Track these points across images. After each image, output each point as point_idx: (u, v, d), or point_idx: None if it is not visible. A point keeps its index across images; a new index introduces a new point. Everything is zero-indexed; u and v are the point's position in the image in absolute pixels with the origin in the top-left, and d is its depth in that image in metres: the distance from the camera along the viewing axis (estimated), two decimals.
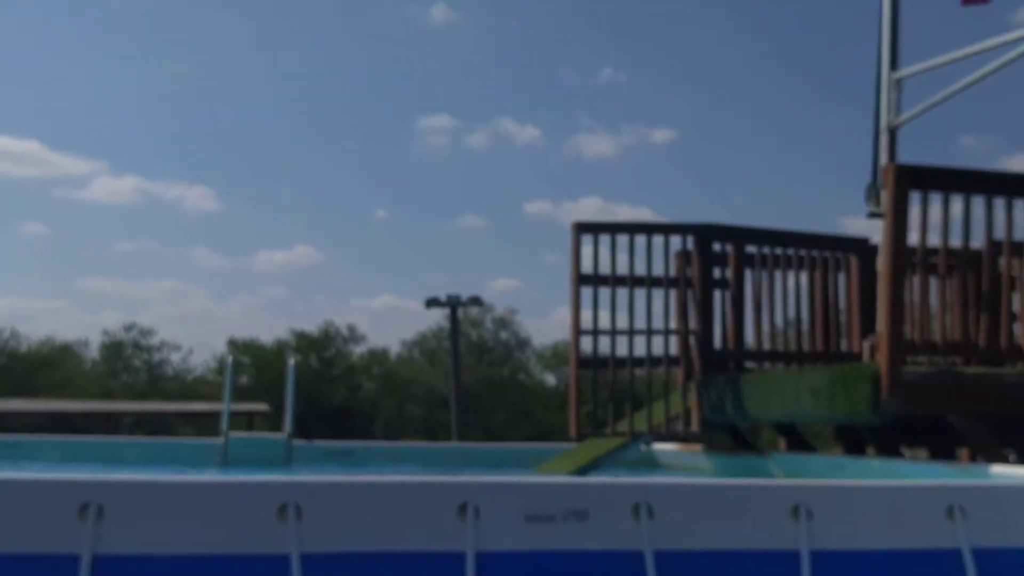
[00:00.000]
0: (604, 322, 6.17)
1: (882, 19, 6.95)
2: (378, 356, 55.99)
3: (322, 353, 53.60)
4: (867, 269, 6.53)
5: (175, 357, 55.78)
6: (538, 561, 2.82)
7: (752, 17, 62.99)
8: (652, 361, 6.21)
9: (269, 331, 67.49)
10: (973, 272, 5.30)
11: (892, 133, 6.85)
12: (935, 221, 5.02)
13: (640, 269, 6.15)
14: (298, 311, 68.40)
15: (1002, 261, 5.23)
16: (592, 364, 6.18)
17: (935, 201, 4.99)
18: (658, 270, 6.22)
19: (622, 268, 6.18)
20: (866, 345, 6.19)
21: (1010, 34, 6.26)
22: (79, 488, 2.69)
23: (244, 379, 47.45)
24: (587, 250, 6.11)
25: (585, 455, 5.90)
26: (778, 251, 6.44)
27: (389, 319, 66.24)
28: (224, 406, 6.91)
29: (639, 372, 6.21)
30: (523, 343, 57.02)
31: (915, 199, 4.92)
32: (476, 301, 27.11)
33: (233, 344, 52.12)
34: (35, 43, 64.18)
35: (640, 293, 6.16)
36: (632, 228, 6.21)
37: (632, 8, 66.88)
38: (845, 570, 2.96)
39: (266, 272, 64.80)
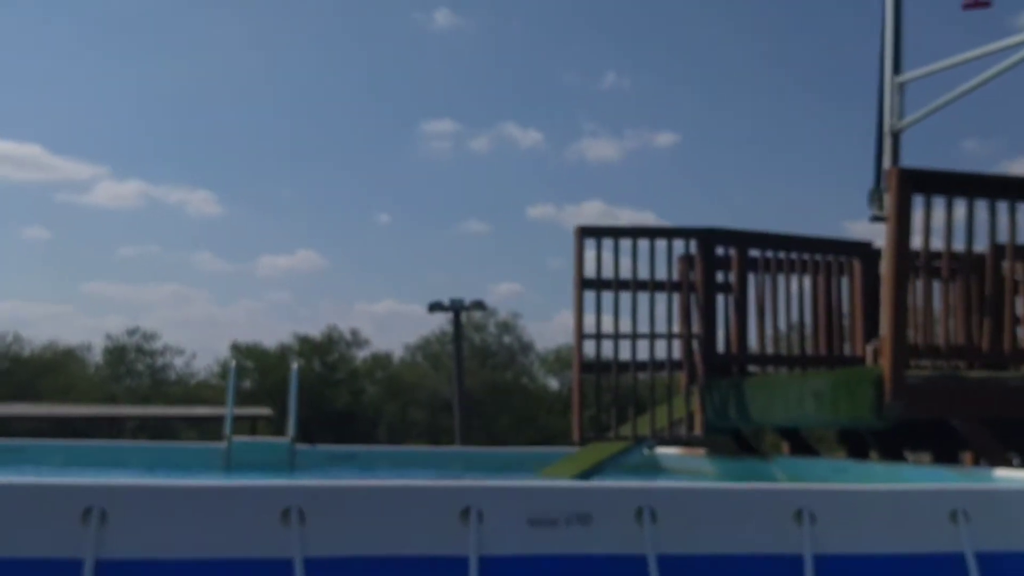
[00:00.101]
0: (607, 326, 6.17)
1: (884, 22, 6.94)
2: (381, 360, 56.01)
3: (325, 357, 53.62)
4: (870, 273, 6.53)
5: (178, 361, 56.03)
6: (541, 565, 2.82)
7: (755, 21, 63.19)
8: (655, 365, 6.20)
9: (272, 335, 67.76)
10: (976, 276, 5.30)
11: (895, 137, 6.84)
12: (938, 225, 5.03)
13: (643, 273, 6.14)
14: (301, 315, 68.71)
15: (1005, 265, 5.23)
16: (595, 368, 6.17)
17: (938, 205, 5.00)
18: (661, 274, 6.22)
19: (625, 272, 6.17)
20: (869, 349, 6.18)
21: (1012, 38, 6.25)
22: (82, 492, 2.69)
23: (247, 383, 47.48)
24: (590, 254, 6.10)
25: (588, 459, 5.89)
26: (781, 255, 6.44)
27: (392, 323, 66.48)
28: (227, 410, 6.91)
29: (642, 376, 6.20)
30: (526, 347, 57.12)
31: (918, 203, 4.93)
32: (479, 305, 27.09)
33: (236, 348, 52.14)
34: (35, 44, 64.45)
35: (643, 297, 6.16)
36: (635, 232, 6.21)
37: (635, 12, 67.02)
38: (848, 574, 2.96)
39: (269, 276, 65.02)
